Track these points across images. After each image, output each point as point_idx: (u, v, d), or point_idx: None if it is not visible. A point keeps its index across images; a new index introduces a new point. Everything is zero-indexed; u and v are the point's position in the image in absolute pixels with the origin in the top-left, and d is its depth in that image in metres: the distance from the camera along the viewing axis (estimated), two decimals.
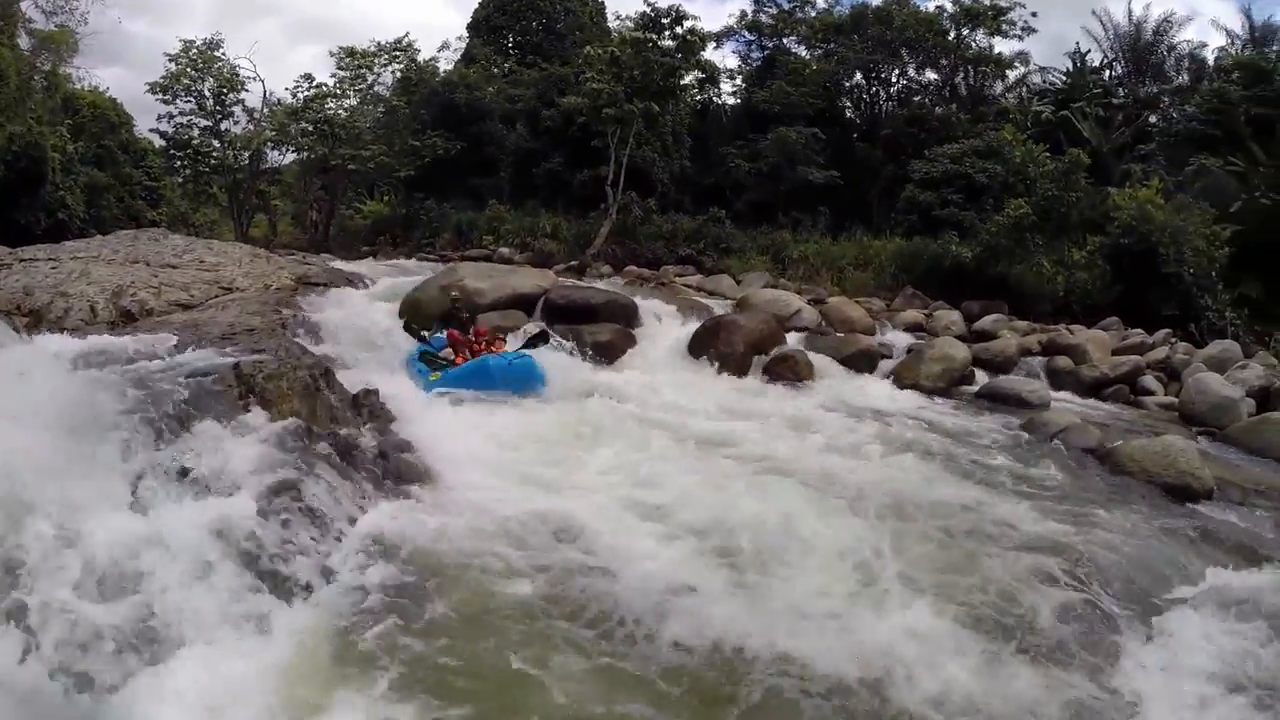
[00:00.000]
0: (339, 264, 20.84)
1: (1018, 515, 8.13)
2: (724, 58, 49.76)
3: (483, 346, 12.24)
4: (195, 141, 35.30)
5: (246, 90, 36.25)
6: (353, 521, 6.77)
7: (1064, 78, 34.88)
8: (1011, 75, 37.56)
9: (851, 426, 11.55)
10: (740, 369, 14.45)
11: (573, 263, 27.46)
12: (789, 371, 14.39)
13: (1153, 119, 32.70)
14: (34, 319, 11.07)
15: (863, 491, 8.34)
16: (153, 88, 34.24)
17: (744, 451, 9.85)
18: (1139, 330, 19.15)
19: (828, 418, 11.99)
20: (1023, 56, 36.67)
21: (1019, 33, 34.98)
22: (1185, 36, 37.85)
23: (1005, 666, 5.57)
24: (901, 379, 15.17)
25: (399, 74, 37.27)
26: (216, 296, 12.50)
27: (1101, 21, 35.59)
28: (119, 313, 11.00)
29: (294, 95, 35.41)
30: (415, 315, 13.96)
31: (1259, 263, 23.11)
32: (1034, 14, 34.53)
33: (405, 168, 33.51)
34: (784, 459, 9.59)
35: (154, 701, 4.64)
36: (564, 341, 13.66)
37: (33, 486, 5.49)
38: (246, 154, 35.87)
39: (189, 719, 4.59)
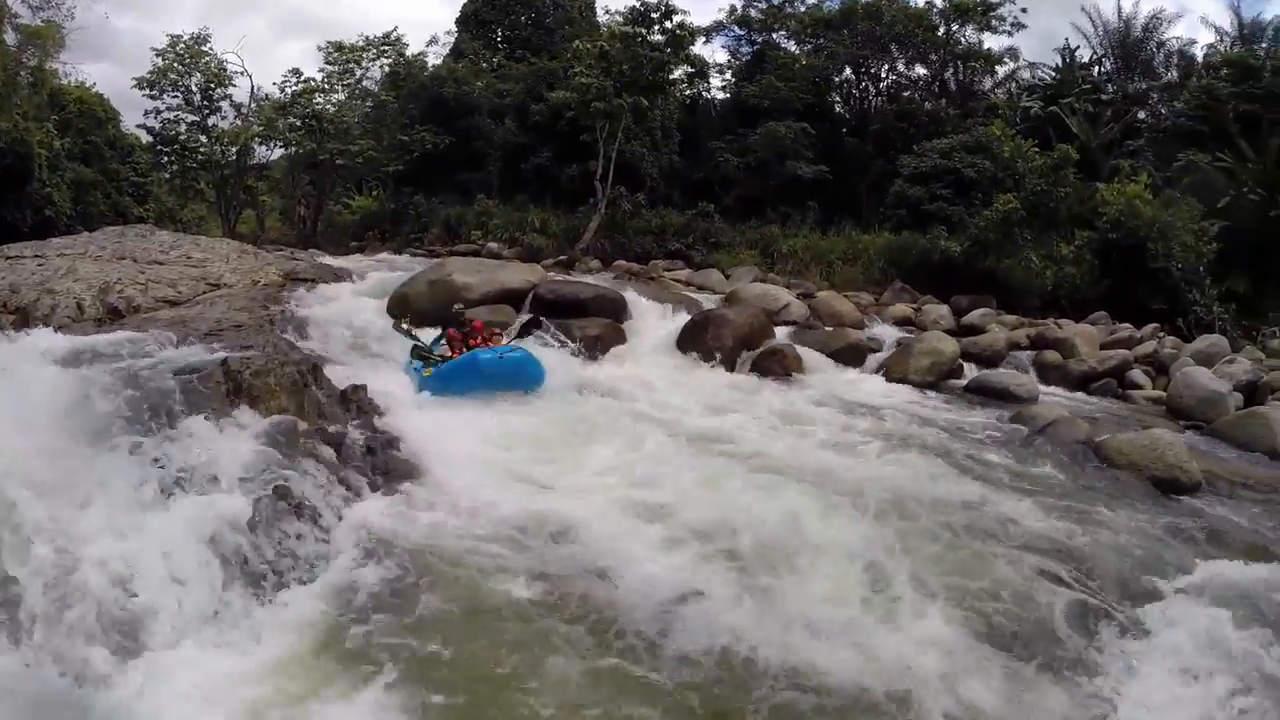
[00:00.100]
0: (327, 259, 20.81)
1: (1016, 511, 8.12)
2: (713, 52, 49.87)
3: (478, 341, 11.82)
4: (182, 137, 35.12)
5: (234, 85, 36.21)
6: (341, 518, 6.78)
7: (1053, 73, 34.96)
8: (1001, 71, 37.57)
9: (845, 422, 11.54)
10: (729, 363, 14.48)
11: (561, 257, 27.40)
12: (778, 365, 14.39)
13: (1141, 115, 32.84)
14: (20, 316, 11.03)
15: (862, 488, 8.28)
16: (140, 83, 34.13)
17: (740, 448, 9.80)
18: (1127, 325, 19.20)
19: (821, 413, 11.98)
20: (1012, 52, 36.66)
21: (1008, 28, 35.04)
22: (1174, 33, 38.03)
23: (1028, 684, 5.48)
24: (890, 373, 15.20)
25: (387, 68, 37.14)
26: (204, 293, 12.47)
27: (1091, 18, 35.65)
28: (106, 309, 10.97)
29: (282, 90, 35.35)
30: (404, 310, 13.93)
31: (1246, 258, 23.28)
32: (1023, 9, 34.58)
33: (393, 163, 33.41)
34: (781, 456, 9.56)
35: (146, 699, 4.65)
36: (560, 337, 13.54)
37: (19, 486, 5.47)
38: (234, 149, 35.68)
39: (178, 714, 4.59)
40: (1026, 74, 37.28)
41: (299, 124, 33.97)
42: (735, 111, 34.88)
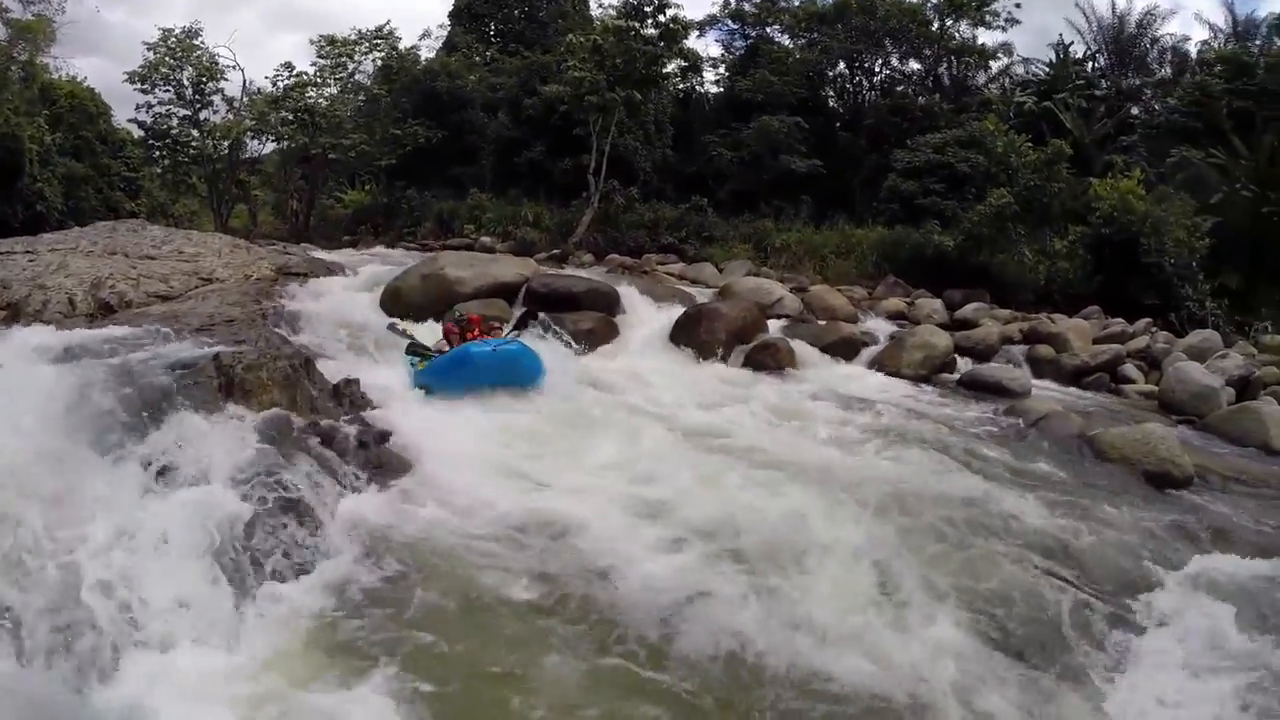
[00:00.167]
0: (320, 254, 20.71)
1: (1016, 507, 8.11)
2: (707, 46, 49.85)
3: (475, 334, 11.45)
4: (174, 131, 34.94)
5: (226, 79, 35.98)
6: (334, 513, 6.75)
7: (1047, 69, 35.03)
8: (995, 66, 37.65)
9: (841, 416, 11.52)
10: (722, 357, 14.45)
11: (555, 251, 27.37)
12: (771, 359, 14.36)
13: (1135, 111, 32.92)
14: (11, 312, 10.99)
15: (863, 485, 8.27)
16: (131, 77, 33.88)
17: (739, 444, 9.73)
18: (1120, 319, 19.25)
19: (817, 407, 11.96)
20: (1006, 47, 36.75)
21: (1002, 24, 35.12)
22: (1168, 29, 38.26)
23: (1045, 695, 5.42)
24: (884, 366, 15.21)
25: (380, 62, 36.97)
26: (196, 287, 12.42)
27: (1085, 14, 35.80)
28: (97, 305, 10.93)
29: (274, 84, 35.22)
30: (396, 305, 13.90)
31: (1239, 254, 23.38)
32: (1018, 5, 34.68)
33: (386, 156, 33.30)
34: (780, 451, 9.50)
35: (139, 697, 4.61)
36: (560, 333, 13.41)
37: (11, 486, 5.45)
38: (226, 143, 35.54)
39: (172, 711, 4.56)
40: (1020, 69, 37.47)
41: (291, 118, 33.84)
42: (729, 105, 34.87)
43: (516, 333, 11.61)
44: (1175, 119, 27.78)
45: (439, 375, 10.57)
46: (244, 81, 37.32)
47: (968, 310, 20.20)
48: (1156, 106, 32.18)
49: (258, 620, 5.43)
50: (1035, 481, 9.24)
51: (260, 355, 8.22)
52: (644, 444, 9.32)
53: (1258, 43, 31.67)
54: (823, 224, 29.25)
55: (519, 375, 10.64)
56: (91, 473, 6.00)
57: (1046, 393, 14.43)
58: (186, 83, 34.74)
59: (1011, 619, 6.12)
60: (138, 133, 35.04)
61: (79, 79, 33.07)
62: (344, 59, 36.38)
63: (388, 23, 37.11)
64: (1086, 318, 19.60)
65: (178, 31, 34.61)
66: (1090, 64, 35.85)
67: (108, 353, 8.06)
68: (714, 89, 38.29)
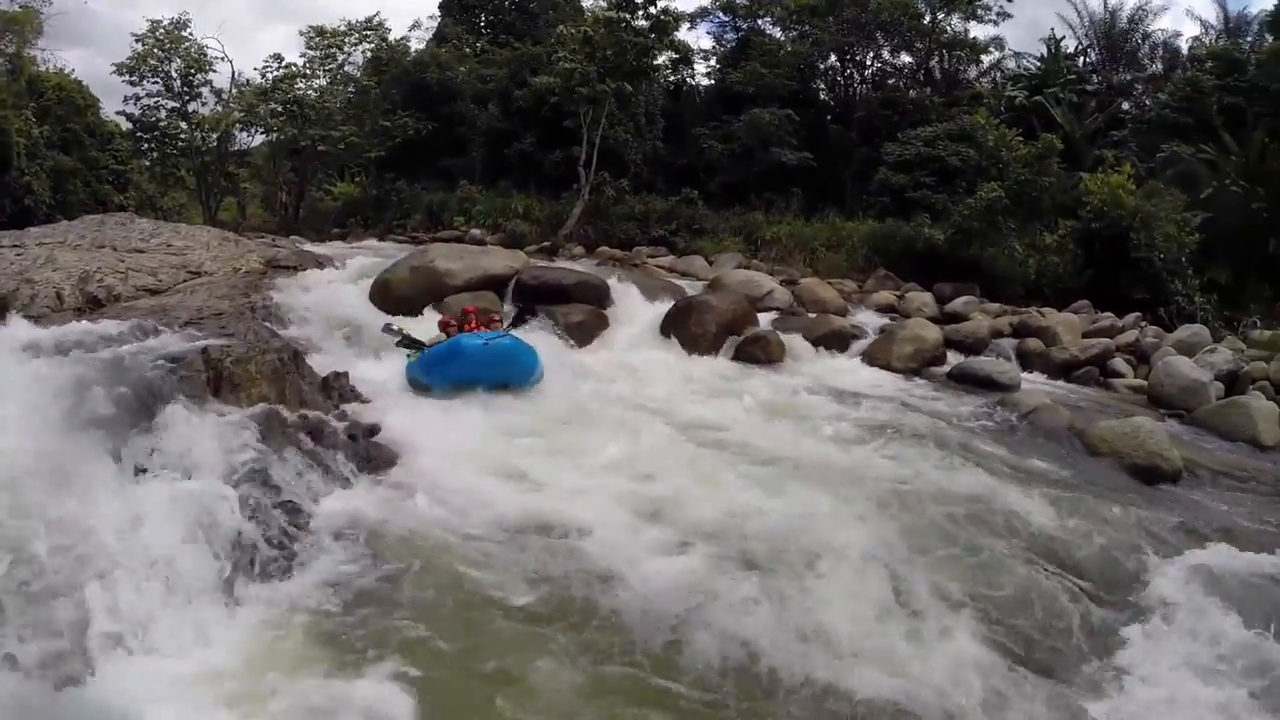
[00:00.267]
0: (309, 246, 20.61)
1: (1016, 505, 8.08)
2: (698, 38, 49.51)
3: (473, 327, 11.20)
4: (162, 123, 34.75)
5: (214, 71, 35.75)
6: (322, 508, 6.74)
7: (1038, 63, 34.99)
8: (986, 60, 37.69)
9: (836, 410, 11.54)
10: (712, 349, 14.50)
11: (545, 244, 27.29)
12: (761, 352, 14.42)
13: (1126, 106, 33.01)
14: None
15: (864, 482, 8.28)
16: (119, 69, 33.70)
17: (736, 439, 9.71)
18: (1109, 313, 19.29)
19: (811, 401, 12.00)
20: (997, 41, 36.74)
21: (994, 18, 35.20)
22: (1160, 25, 38.33)
23: (1075, 714, 5.33)
24: (874, 359, 15.27)
25: (369, 53, 36.81)
26: (184, 281, 12.34)
27: (1077, 8, 35.86)
28: (86, 299, 10.84)
29: (263, 75, 34.97)
30: (385, 297, 13.86)
31: (1228, 249, 23.46)
32: None
33: (376, 148, 33.18)
34: (777, 448, 9.49)
35: (124, 693, 4.59)
36: (558, 331, 13.42)
37: None
38: (215, 136, 35.36)
39: (159, 706, 4.54)
40: (1012, 63, 37.42)
41: (280, 110, 33.69)
42: (719, 98, 34.80)
43: (513, 328, 11.40)
44: (1166, 114, 27.83)
45: (429, 368, 10.40)
46: (233, 73, 37.19)
47: (958, 304, 20.25)
48: (1147, 102, 32.27)
49: (246, 616, 5.43)
50: (1031, 477, 9.25)
51: (249, 349, 8.18)
52: (641, 440, 9.26)
53: (1249, 39, 31.75)
54: (813, 217, 29.23)
55: (513, 371, 10.41)
56: (78, 468, 5.97)
57: (1036, 386, 14.45)
58: (175, 74, 34.56)
59: (1027, 628, 6.06)
60: (126, 125, 34.77)
61: (67, 71, 32.81)
62: (333, 50, 36.20)
63: (377, 14, 36.89)
64: (1076, 312, 19.63)
65: (166, 23, 34.45)
66: (1082, 59, 35.87)
67: (96, 347, 8.02)
68: (705, 81, 38.27)
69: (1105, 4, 35.62)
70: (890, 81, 36.75)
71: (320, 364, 9.74)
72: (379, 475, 7.62)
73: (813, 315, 17.55)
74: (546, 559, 6.41)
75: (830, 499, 7.79)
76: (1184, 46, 34.92)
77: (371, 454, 7.93)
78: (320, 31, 35.92)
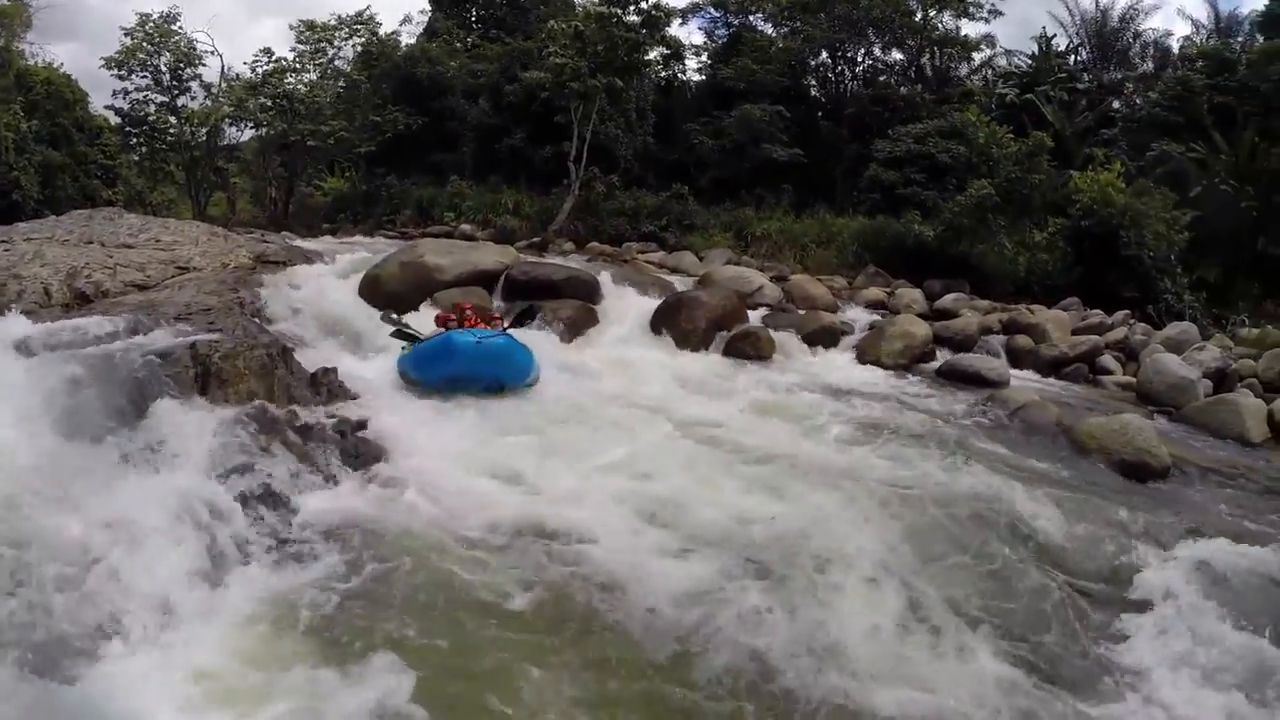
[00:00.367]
0: (298, 242, 20.59)
1: (1017, 505, 8.07)
2: (689, 34, 49.62)
3: (472, 322, 10.99)
4: (152, 118, 34.58)
5: (204, 65, 35.58)
6: (309, 504, 6.73)
7: (1029, 61, 35.00)
8: (977, 57, 37.69)
9: (831, 408, 11.54)
10: (702, 345, 14.53)
11: (535, 239, 27.22)
12: (751, 347, 14.45)
13: (1116, 104, 32.99)
14: None
15: (866, 484, 8.24)
16: (108, 63, 33.54)
17: (733, 439, 9.65)
18: (1098, 311, 19.32)
19: (805, 399, 12.00)
20: (989, 39, 36.76)
21: (985, 15, 35.10)
22: (1151, 24, 38.40)
23: None
24: (864, 355, 15.32)
25: (360, 48, 36.61)
26: (173, 276, 12.32)
27: (1068, 6, 35.83)
28: (74, 294, 10.82)
29: (253, 70, 34.75)
30: (375, 293, 13.82)
31: (1217, 248, 23.56)
32: None
33: (366, 143, 33.05)
34: (775, 447, 9.47)
35: (111, 687, 4.59)
36: (558, 330, 13.35)
37: None
38: (204, 130, 35.17)
39: (148, 702, 4.54)
40: (1003, 61, 37.40)
41: (270, 104, 33.52)
42: (710, 94, 34.76)
43: (514, 328, 11.14)
44: (1156, 113, 27.86)
45: (419, 364, 10.30)
46: (222, 67, 37.01)
47: (947, 300, 20.25)
48: (1138, 100, 32.26)
49: (232, 612, 5.42)
50: (1027, 476, 9.23)
51: (237, 344, 8.20)
52: (636, 439, 9.23)
53: (1240, 39, 31.85)
54: (803, 213, 29.20)
55: (507, 372, 10.26)
56: (66, 464, 5.96)
57: (1025, 383, 14.48)
58: (164, 69, 34.40)
59: (1052, 646, 5.99)
60: (115, 120, 34.63)
61: (55, 65, 32.66)
62: (324, 44, 36.03)
63: (368, 8, 36.73)
64: (1065, 309, 19.64)
65: (155, 16, 34.23)
66: (1073, 57, 35.89)
67: (84, 343, 8.02)
68: (696, 77, 38.23)
69: (1097, 3, 35.71)
70: (881, 78, 36.75)
71: (309, 359, 9.71)
72: (367, 472, 7.60)
73: (803, 311, 17.58)
74: (544, 563, 6.33)
75: (834, 502, 7.75)
76: (1175, 46, 35.04)
77: (360, 450, 7.92)
78: (310, 25, 35.77)
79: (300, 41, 35.71)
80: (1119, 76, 35.12)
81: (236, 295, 11.51)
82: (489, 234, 27.72)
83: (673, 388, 11.84)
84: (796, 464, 8.83)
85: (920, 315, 18.17)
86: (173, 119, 34.87)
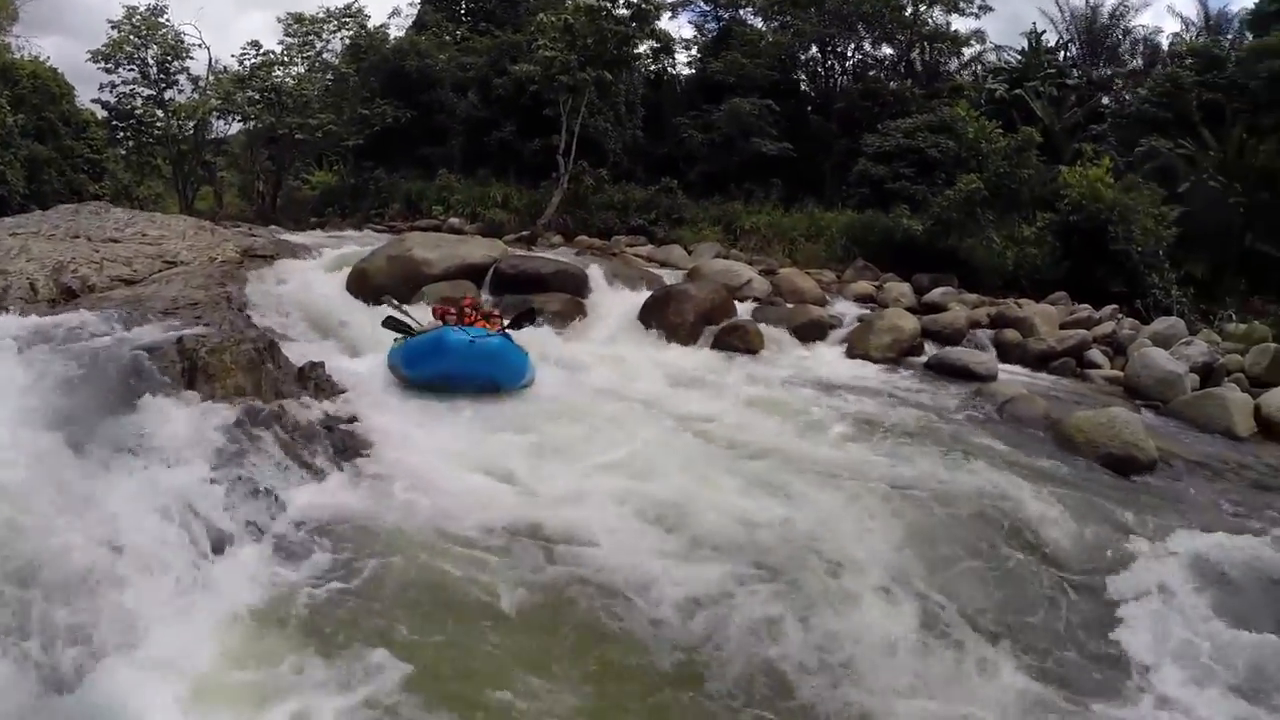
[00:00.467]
0: (286, 235, 20.58)
1: (1016, 503, 8.04)
2: (679, 28, 49.72)
3: (471, 319, 10.74)
4: (139, 112, 34.32)
5: (191, 58, 35.32)
6: (295, 500, 6.70)
7: (1019, 57, 35.11)
8: (967, 53, 37.79)
9: (824, 403, 11.51)
10: (691, 339, 14.53)
11: (523, 233, 27.23)
12: (739, 341, 14.45)
13: (1105, 100, 33.18)
14: None
15: (867, 482, 8.20)
16: (94, 56, 33.30)
17: (729, 436, 9.57)
18: (1086, 305, 19.38)
19: (798, 394, 11.98)
20: (979, 34, 36.90)
21: (976, 11, 35.28)
22: (1141, 21, 38.48)
23: None
24: (852, 349, 15.31)
25: (348, 41, 36.50)
26: (160, 271, 12.29)
27: (1058, 3, 35.94)
28: (60, 290, 10.78)
29: (240, 63, 34.55)
30: (363, 287, 13.78)
31: (1205, 243, 23.68)
32: None
33: (354, 137, 32.97)
34: (772, 443, 9.44)
35: (100, 688, 4.55)
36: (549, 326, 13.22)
37: None
38: (191, 124, 34.97)
39: (135, 700, 4.50)
40: (992, 56, 37.53)
41: (258, 97, 33.35)
42: (700, 87, 34.76)
43: (512, 329, 10.98)
44: (1145, 109, 27.98)
45: (410, 360, 10.08)
46: (210, 60, 36.79)
47: (936, 294, 20.29)
48: (1127, 97, 32.41)
49: (220, 609, 5.37)
50: (1021, 471, 9.19)
51: (224, 339, 8.16)
52: (631, 436, 9.13)
53: (1229, 37, 32.01)
54: (792, 207, 29.25)
55: (501, 373, 10.04)
56: (52, 461, 5.93)
57: (1013, 376, 14.52)
58: (151, 62, 34.14)
59: (1077, 657, 5.93)
60: (101, 113, 34.38)
61: (42, 59, 32.46)
62: (312, 37, 35.85)
63: (356, 0, 36.69)
64: (1054, 303, 19.73)
65: (142, 9, 33.97)
66: (1062, 53, 36.01)
67: (70, 338, 7.98)
68: (685, 70, 38.23)
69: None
70: (871, 73, 36.82)
71: (297, 354, 9.66)
72: (356, 468, 7.56)
73: (791, 305, 17.58)
74: (543, 565, 6.23)
75: (838, 502, 7.69)
76: (1164, 43, 35.23)
77: (348, 446, 7.89)
78: (299, 18, 35.61)
79: (288, 34, 35.54)
80: (1108, 73, 35.25)
81: (224, 289, 11.48)
82: (477, 227, 27.71)
83: (665, 382, 11.79)
84: (795, 461, 8.79)
85: (909, 309, 18.18)
86: (160, 112, 34.64)
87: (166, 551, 5.55)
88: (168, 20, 34.40)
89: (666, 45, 34.64)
